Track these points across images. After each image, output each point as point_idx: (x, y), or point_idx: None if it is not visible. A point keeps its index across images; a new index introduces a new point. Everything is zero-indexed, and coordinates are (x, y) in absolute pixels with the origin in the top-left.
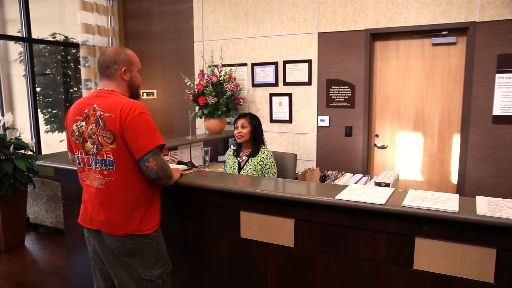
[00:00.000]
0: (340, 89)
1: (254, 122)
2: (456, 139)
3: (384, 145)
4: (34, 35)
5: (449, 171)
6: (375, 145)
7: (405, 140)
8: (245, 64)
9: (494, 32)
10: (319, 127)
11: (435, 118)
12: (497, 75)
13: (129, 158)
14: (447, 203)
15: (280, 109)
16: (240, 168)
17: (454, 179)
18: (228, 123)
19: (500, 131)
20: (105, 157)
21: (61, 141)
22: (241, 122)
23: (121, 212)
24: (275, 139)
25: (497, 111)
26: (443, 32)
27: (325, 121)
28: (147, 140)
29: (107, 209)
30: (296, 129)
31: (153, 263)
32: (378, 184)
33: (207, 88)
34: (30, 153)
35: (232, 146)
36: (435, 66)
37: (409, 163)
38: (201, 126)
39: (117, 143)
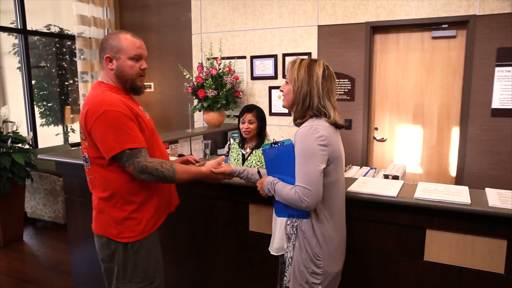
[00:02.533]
0: (340, 82)
1: (261, 116)
2: (455, 132)
3: (383, 138)
4: (28, 26)
5: (448, 164)
6: (374, 138)
7: (405, 133)
8: (244, 57)
9: (494, 25)
10: None
11: (434, 111)
12: (497, 69)
13: (102, 156)
14: (458, 195)
15: (280, 102)
16: (244, 160)
17: (453, 171)
18: (228, 116)
19: (499, 124)
20: (84, 153)
21: (56, 135)
22: (249, 117)
23: (99, 210)
24: (274, 132)
25: (496, 104)
26: (443, 26)
27: None
28: (112, 142)
29: (93, 206)
30: None
31: (129, 277)
32: (386, 176)
33: (206, 81)
34: (27, 147)
35: (231, 140)
36: (435, 59)
37: (408, 156)
38: (199, 119)
39: (88, 140)
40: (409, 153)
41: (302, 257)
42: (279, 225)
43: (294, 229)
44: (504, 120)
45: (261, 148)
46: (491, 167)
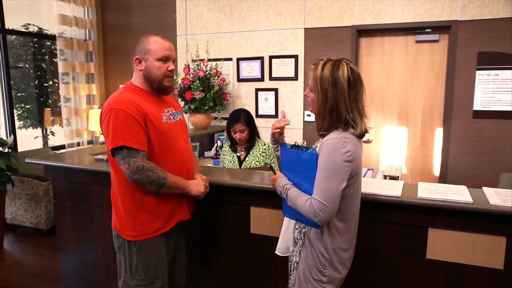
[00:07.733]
0: None
1: (250, 121)
2: (438, 133)
3: (369, 140)
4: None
5: (432, 164)
6: None
7: (390, 134)
8: (230, 59)
9: (475, 30)
10: (305, 122)
11: (418, 113)
12: (477, 72)
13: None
14: (460, 194)
15: (266, 104)
16: (240, 162)
17: (437, 171)
18: (215, 118)
19: (480, 125)
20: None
21: (35, 138)
22: (238, 127)
23: (113, 205)
24: (261, 134)
25: (477, 106)
26: (427, 30)
27: (311, 116)
28: (111, 138)
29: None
30: None
31: (133, 272)
32: (385, 177)
33: (194, 83)
34: (7, 150)
35: (218, 142)
36: (418, 62)
37: (393, 157)
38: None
39: (104, 137)
40: (394, 154)
41: (307, 263)
42: (286, 226)
43: (302, 235)
44: (485, 121)
45: (258, 148)
46: (473, 167)
